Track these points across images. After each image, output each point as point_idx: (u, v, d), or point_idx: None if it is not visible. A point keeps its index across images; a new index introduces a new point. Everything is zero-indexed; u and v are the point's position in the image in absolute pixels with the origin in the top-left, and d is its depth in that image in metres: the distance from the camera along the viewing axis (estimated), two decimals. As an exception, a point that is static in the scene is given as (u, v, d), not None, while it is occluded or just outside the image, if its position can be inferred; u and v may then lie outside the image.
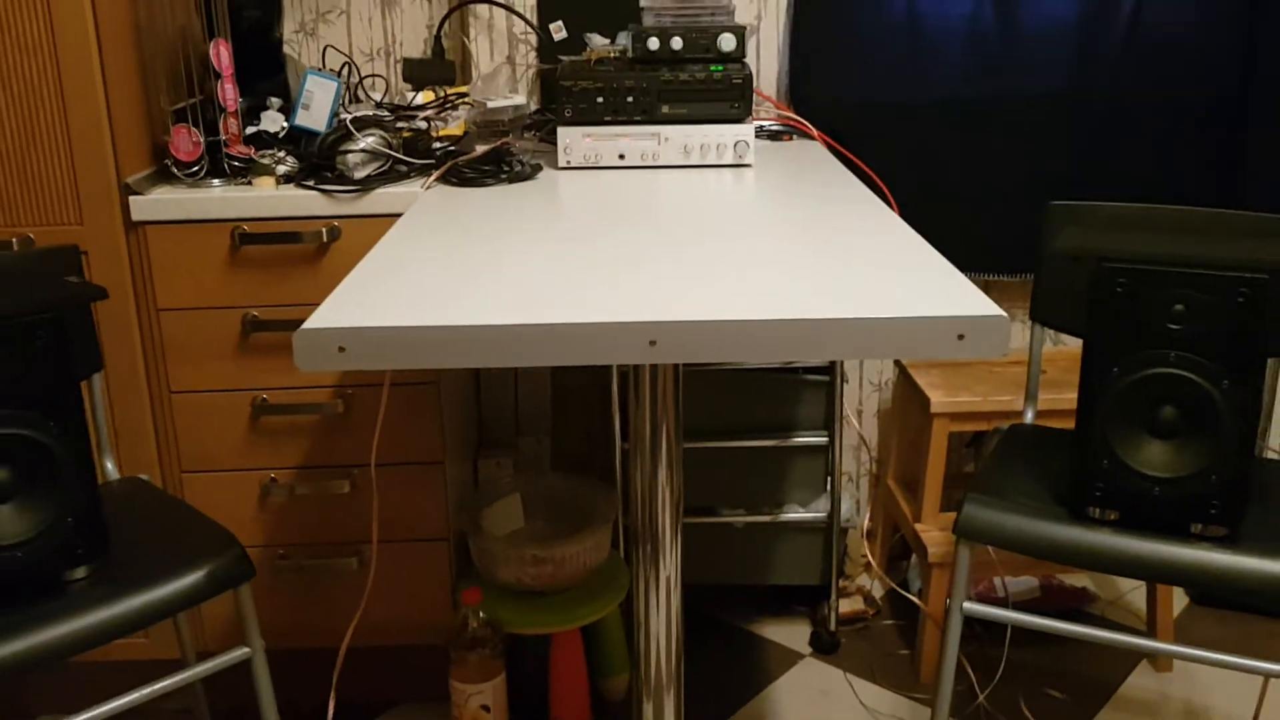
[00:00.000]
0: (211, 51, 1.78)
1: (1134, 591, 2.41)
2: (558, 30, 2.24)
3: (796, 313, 1.07)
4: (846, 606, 2.33)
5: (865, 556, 2.45)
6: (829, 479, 2.23)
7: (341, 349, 1.07)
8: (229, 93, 1.80)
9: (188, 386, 1.85)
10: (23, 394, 1.25)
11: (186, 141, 1.79)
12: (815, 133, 2.18)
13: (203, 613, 1.95)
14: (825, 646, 2.23)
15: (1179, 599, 2.38)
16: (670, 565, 1.52)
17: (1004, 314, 1.06)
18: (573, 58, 1.96)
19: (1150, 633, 2.10)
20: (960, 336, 1.08)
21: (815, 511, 2.23)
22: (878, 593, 2.42)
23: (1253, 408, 1.40)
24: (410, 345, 1.07)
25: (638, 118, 1.85)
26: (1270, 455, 1.69)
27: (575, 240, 1.37)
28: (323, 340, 1.07)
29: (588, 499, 2.09)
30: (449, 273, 1.23)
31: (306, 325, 1.06)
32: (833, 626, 2.26)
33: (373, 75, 2.31)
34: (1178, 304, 1.40)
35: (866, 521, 2.55)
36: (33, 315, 1.22)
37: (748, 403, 2.19)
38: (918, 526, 2.18)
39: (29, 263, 1.50)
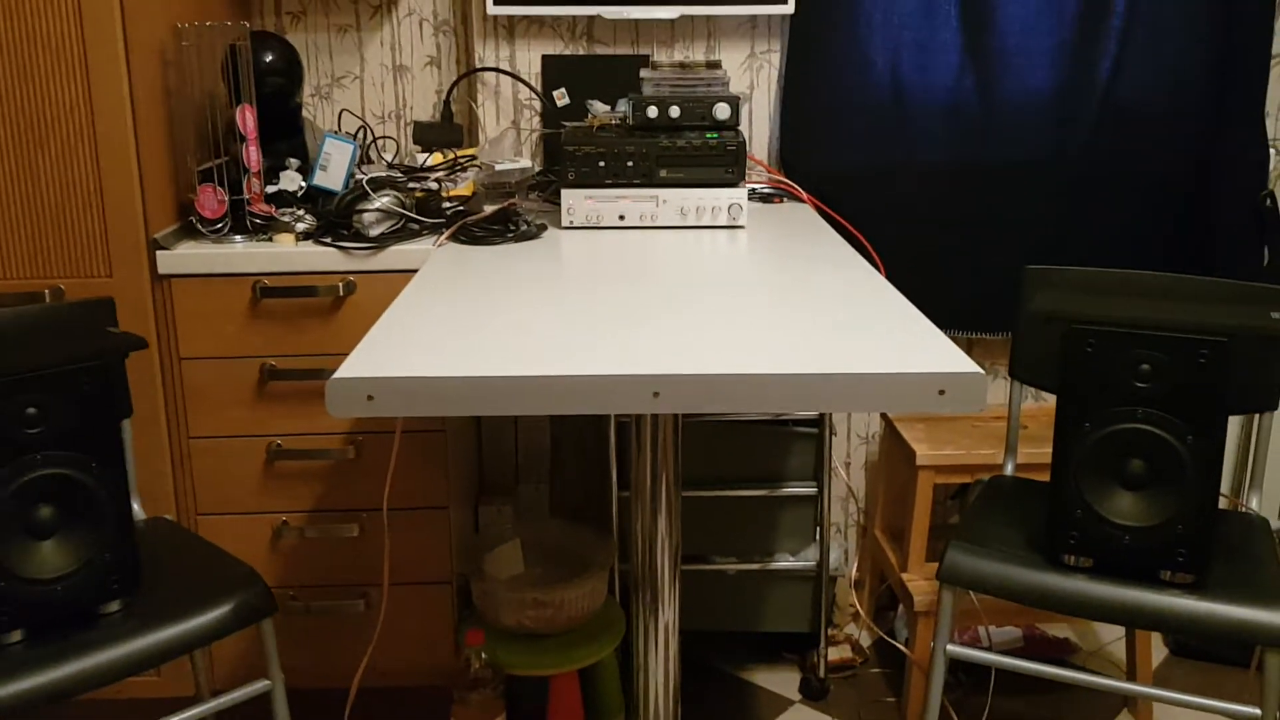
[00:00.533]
0: (238, 116, 1.89)
1: (1115, 642, 2.48)
2: (561, 97, 2.36)
3: (790, 368, 1.16)
4: (835, 654, 2.39)
5: (853, 606, 2.52)
6: (818, 529, 2.31)
7: (370, 397, 1.16)
8: (253, 155, 1.91)
9: (206, 432, 1.93)
10: (68, 437, 1.33)
11: (212, 200, 1.89)
12: (805, 196, 2.28)
13: (212, 652, 2.01)
14: (815, 693, 2.29)
15: (1158, 650, 2.45)
16: (670, 612, 1.59)
17: (981, 371, 1.15)
18: (576, 124, 2.07)
19: (1130, 680, 2.17)
20: (941, 392, 1.17)
21: (805, 560, 2.30)
22: (865, 641, 2.48)
23: (1215, 461, 1.49)
24: (434, 394, 1.16)
25: (637, 181, 1.95)
26: (1244, 510, 1.78)
27: (580, 297, 1.45)
28: (353, 389, 1.15)
29: (585, 545, 2.17)
30: (465, 326, 1.32)
31: (338, 375, 1.15)
32: (822, 674, 2.32)
33: (384, 137, 2.42)
34: (1144, 364, 1.50)
35: (854, 571, 2.62)
36: (80, 363, 1.31)
37: (739, 453, 2.27)
38: (904, 576, 2.25)
39: (68, 314, 1.59)
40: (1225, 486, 2.36)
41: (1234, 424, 2.33)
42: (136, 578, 1.41)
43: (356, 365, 1.18)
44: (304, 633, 2.03)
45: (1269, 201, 2.32)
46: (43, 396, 1.31)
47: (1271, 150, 2.42)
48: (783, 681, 2.34)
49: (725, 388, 1.16)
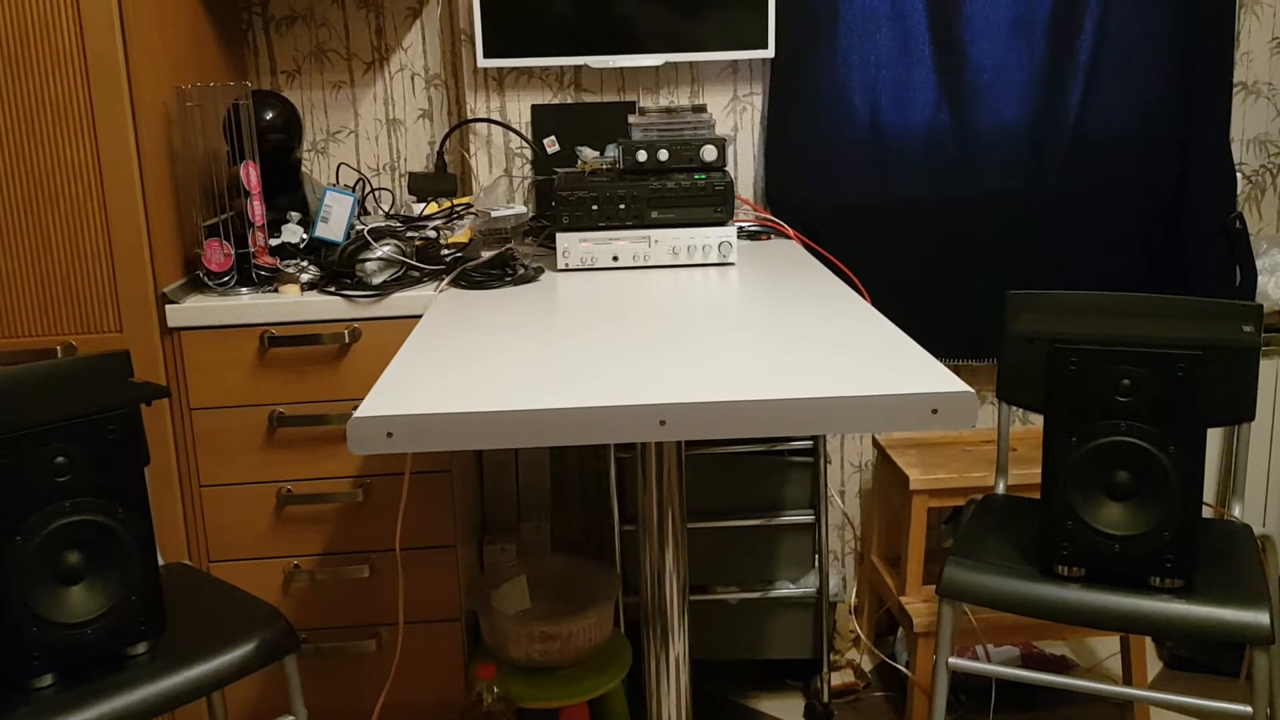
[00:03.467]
0: (241, 172, 1.95)
1: (1110, 658, 2.53)
2: (551, 145, 2.43)
3: (790, 393, 1.21)
4: (838, 679, 2.43)
5: (854, 631, 2.56)
6: (816, 556, 2.36)
7: (390, 434, 1.21)
8: (257, 209, 1.97)
9: (217, 480, 1.97)
10: (95, 484, 1.38)
11: (218, 254, 1.95)
12: (791, 232, 2.35)
13: (225, 696, 2.04)
14: (819, 718, 2.33)
15: (1152, 665, 2.50)
16: (680, 644, 1.62)
17: (971, 390, 1.21)
18: (567, 169, 2.13)
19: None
20: (934, 411, 1.22)
21: (805, 587, 2.34)
22: (867, 666, 2.52)
23: (1197, 469, 1.55)
24: (450, 429, 1.21)
25: (629, 223, 2.01)
26: (1228, 518, 1.84)
27: (582, 334, 1.51)
28: (373, 427, 1.20)
29: (588, 579, 2.21)
30: (474, 365, 1.37)
31: (358, 414, 1.20)
32: (826, 698, 2.36)
33: (380, 189, 2.49)
34: (1124, 379, 1.57)
35: (853, 597, 2.67)
36: (107, 412, 1.36)
37: (737, 484, 2.32)
38: (902, 599, 2.30)
39: (87, 367, 1.64)
40: (1209, 496, 2.42)
41: (1215, 436, 2.40)
42: (163, 619, 1.45)
43: (375, 405, 1.23)
44: (317, 674, 2.06)
45: (1238, 223, 2.40)
46: (71, 446, 1.36)
47: (1238, 174, 2.51)
48: (787, 708, 2.37)
49: (729, 414, 1.21)
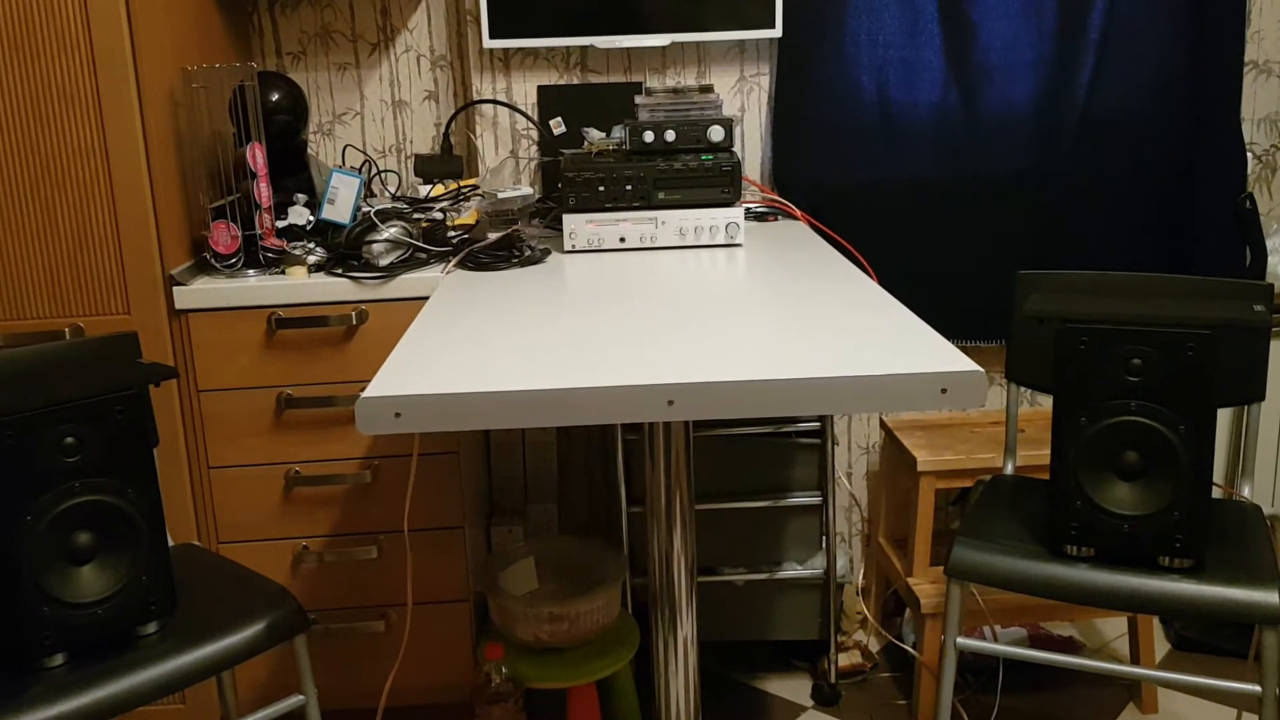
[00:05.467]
0: (248, 153, 1.94)
1: (1118, 639, 2.53)
2: (557, 126, 2.42)
3: (798, 373, 1.21)
4: (845, 660, 2.43)
5: (861, 612, 2.57)
6: (823, 537, 2.36)
7: (398, 414, 1.21)
8: (264, 191, 1.96)
9: (225, 462, 1.98)
10: (105, 464, 1.39)
11: (225, 235, 1.95)
12: (798, 213, 2.34)
13: (235, 675, 2.05)
14: (826, 699, 2.33)
15: (1160, 646, 2.50)
16: (688, 626, 1.63)
17: (980, 369, 1.21)
18: (574, 151, 2.13)
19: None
20: (943, 390, 1.22)
21: (812, 569, 2.35)
22: (874, 647, 2.52)
23: (1207, 449, 1.55)
24: (458, 409, 1.21)
25: (636, 204, 2.01)
26: (1237, 498, 1.84)
27: (589, 315, 1.51)
28: (382, 407, 1.20)
29: (596, 560, 2.21)
30: (481, 346, 1.37)
31: (366, 395, 1.20)
32: (833, 679, 2.36)
33: (386, 170, 2.48)
34: (1134, 358, 1.56)
35: (860, 579, 2.67)
36: (116, 393, 1.37)
37: (745, 466, 2.32)
38: (910, 580, 2.30)
39: (95, 348, 1.65)
40: (1219, 476, 2.42)
41: (1225, 416, 2.39)
42: (173, 599, 1.46)
43: (383, 385, 1.23)
44: (326, 654, 2.07)
45: (1248, 203, 2.39)
46: (80, 426, 1.37)
47: (1249, 154, 2.50)
48: (794, 689, 2.38)
49: (737, 394, 1.21)
